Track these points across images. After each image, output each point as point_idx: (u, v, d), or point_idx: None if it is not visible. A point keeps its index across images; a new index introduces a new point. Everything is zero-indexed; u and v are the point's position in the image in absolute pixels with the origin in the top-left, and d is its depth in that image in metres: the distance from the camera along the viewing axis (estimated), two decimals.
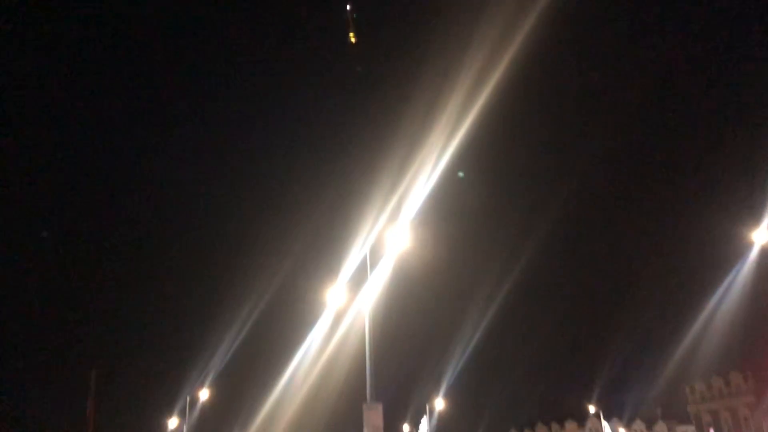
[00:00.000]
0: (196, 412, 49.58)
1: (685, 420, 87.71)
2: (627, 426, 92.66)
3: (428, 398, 62.82)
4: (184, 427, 50.53)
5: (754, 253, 24.47)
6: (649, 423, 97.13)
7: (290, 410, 66.97)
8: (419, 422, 61.48)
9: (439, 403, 61.20)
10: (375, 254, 20.23)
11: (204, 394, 47.43)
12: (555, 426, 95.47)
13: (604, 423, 76.92)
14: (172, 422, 54.63)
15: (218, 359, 61.61)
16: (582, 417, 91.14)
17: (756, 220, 25.27)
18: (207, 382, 50.70)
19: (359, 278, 20.97)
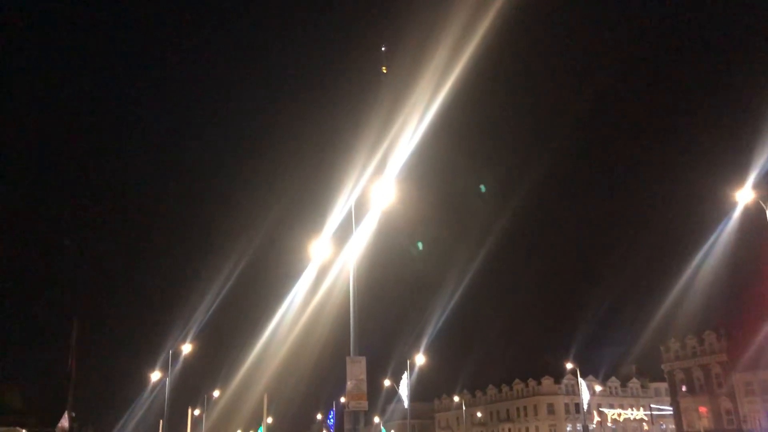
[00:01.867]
0: (178, 365, 49.73)
1: (658, 378, 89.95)
2: (602, 383, 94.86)
3: (409, 353, 63.54)
4: (167, 380, 50.65)
5: (737, 214, 24.60)
6: (624, 380, 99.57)
7: (275, 363, 67.58)
8: (400, 377, 62.17)
9: (420, 359, 61.84)
10: (360, 209, 20.07)
11: (187, 348, 47.45)
12: (532, 382, 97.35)
13: (581, 380, 78.32)
14: (155, 375, 54.86)
15: (202, 312, 61.74)
16: (559, 374, 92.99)
17: (740, 179, 25.41)
18: (190, 336, 50.79)
19: (344, 232, 20.84)
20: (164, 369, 52.01)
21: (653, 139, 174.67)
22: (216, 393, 72.51)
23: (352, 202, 20.05)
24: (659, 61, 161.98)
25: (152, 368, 55.80)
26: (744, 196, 24.59)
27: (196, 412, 65.79)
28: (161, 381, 53.87)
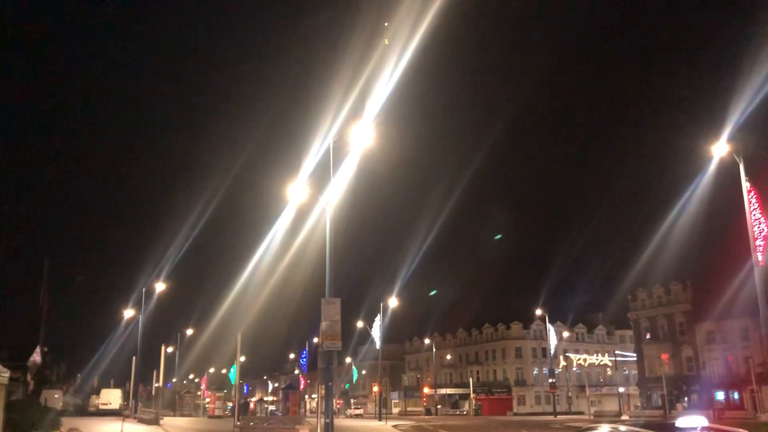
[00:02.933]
0: (152, 304, 49.79)
1: (624, 326, 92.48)
2: (570, 329, 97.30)
3: (382, 296, 64.32)
4: (140, 318, 50.79)
5: (712, 167, 24.86)
6: (591, 327, 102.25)
7: (250, 304, 67.93)
8: (373, 319, 63.06)
9: (393, 302, 62.66)
10: (338, 151, 19.87)
11: (160, 286, 47.39)
12: (501, 327, 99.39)
13: (549, 325, 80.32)
14: (128, 313, 54.95)
15: (174, 251, 61.43)
16: (528, 319, 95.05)
17: (716, 133, 25.58)
18: (164, 274, 50.66)
19: (321, 175, 20.66)
20: (138, 307, 52.10)
21: (629, 89, 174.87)
22: (189, 332, 73.01)
23: (328, 144, 19.81)
24: (634, 13, 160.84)
25: (125, 306, 55.90)
26: (719, 149, 24.80)
27: (170, 349, 66.29)
28: (135, 318, 54.04)
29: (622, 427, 9.21)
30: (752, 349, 66.19)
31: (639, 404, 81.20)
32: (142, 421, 45.91)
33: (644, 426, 9.10)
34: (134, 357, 57.97)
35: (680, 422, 8.46)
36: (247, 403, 40.03)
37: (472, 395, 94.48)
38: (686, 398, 72.70)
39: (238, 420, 35.94)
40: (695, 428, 8.28)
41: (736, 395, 68.62)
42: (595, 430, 10.21)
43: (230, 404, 63.17)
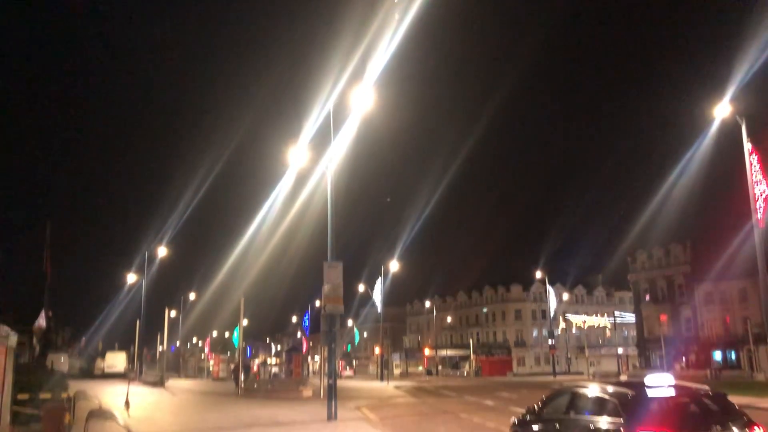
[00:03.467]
0: (155, 268, 50.06)
1: (624, 287, 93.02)
2: (569, 291, 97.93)
3: (384, 260, 64.57)
4: (143, 281, 51.13)
5: (714, 129, 24.72)
6: (590, 289, 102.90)
7: (253, 268, 68.27)
8: (375, 282, 63.43)
9: (394, 265, 62.90)
10: (338, 115, 19.75)
11: (163, 251, 47.57)
12: (501, 289, 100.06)
13: (548, 287, 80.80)
14: (131, 277, 55.25)
15: (177, 216, 61.57)
16: (528, 281, 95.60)
17: (718, 94, 25.39)
18: (166, 239, 50.83)
19: (322, 139, 20.58)
20: (140, 271, 52.40)
21: (632, 51, 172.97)
22: (192, 295, 73.49)
23: (329, 108, 19.69)
24: None
25: (128, 270, 56.19)
26: (721, 110, 24.64)
27: (173, 313, 66.90)
28: (138, 283, 54.36)
29: (592, 384, 9.54)
30: (750, 310, 66.79)
31: (637, 365, 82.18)
32: (147, 383, 46.56)
33: (616, 384, 9.35)
34: (138, 320, 58.52)
35: (648, 380, 8.88)
36: (249, 366, 40.34)
37: (472, 356, 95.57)
38: (684, 358, 73.64)
39: (242, 384, 36.52)
40: (662, 385, 8.75)
41: (733, 355, 69.45)
42: (562, 390, 10.33)
43: (233, 366, 63.93)
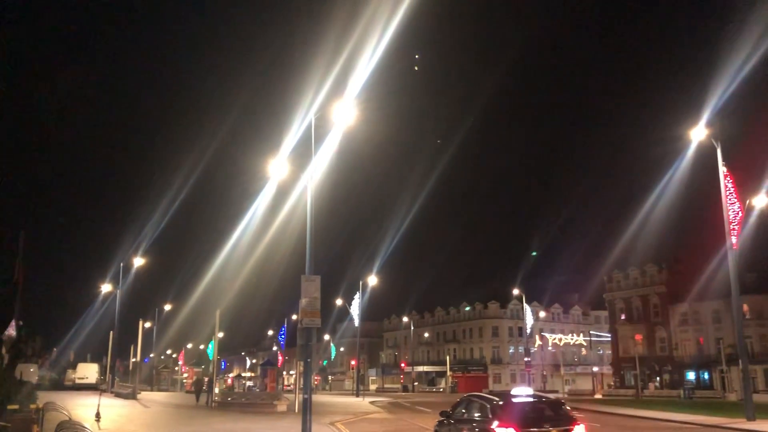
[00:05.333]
0: (130, 279, 49.36)
1: (600, 306, 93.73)
2: (546, 309, 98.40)
3: (362, 274, 64.40)
4: (118, 292, 50.41)
5: (690, 152, 25.10)
6: (567, 307, 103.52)
7: (230, 280, 67.73)
8: (353, 297, 63.21)
9: (372, 280, 62.76)
10: (319, 129, 19.72)
11: (139, 261, 46.91)
12: (479, 305, 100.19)
13: (526, 305, 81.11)
14: (106, 287, 54.47)
15: (154, 226, 60.95)
16: (505, 299, 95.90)
17: (695, 117, 25.80)
18: (142, 249, 50.15)
19: (302, 151, 20.53)
20: (115, 281, 51.64)
21: (611, 74, 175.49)
22: (168, 307, 72.63)
23: (310, 121, 19.65)
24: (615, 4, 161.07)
25: (103, 280, 55.38)
26: (697, 133, 25.03)
27: (147, 325, 66.02)
28: (112, 293, 53.56)
29: (480, 395, 13.59)
30: (723, 331, 67.58)
31: (612, 383, 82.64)
32: (119, 395, 45.80)
33: (492, 394, 13.40)
34: (112, 332, 57.63)
35: (513, 391, 12.70)
36: (202, 381, 39.39)
37: (448, 373, 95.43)
38: (658, 378, 74.19)
39: (197, 400, 35.64)
40: (522, 395, 12.41)
41: (706, 375, 70.13)
42: (464, 399, 13.83)
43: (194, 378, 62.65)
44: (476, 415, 12.56)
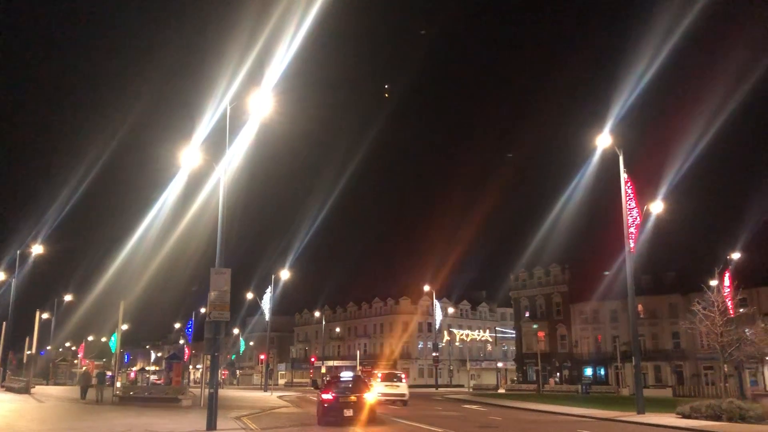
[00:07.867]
0: (27, 267, 46.79)
1: (506, 304, 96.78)
2: (455, 305, 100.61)
3: (274, 268, 63.72)
4: (12, 281, 47.72)
5: (596, 158, 26.26)
6: (475, 304, 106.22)
7: (136, 271, 65.44)
8: (264, 291, 62.46)
9: (285, 274, 62.22)
10: (234, 119, 19.35)
11: (38, 249, 44.49)
12: (390, 301, 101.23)
13: (435, 301, 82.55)
14: None
15: (54, 213, 58.10)
16: (416, 295, 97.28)
17: (601, 125, 27.01)
18: (41, 237, 47.69)
19: (216, 140, 20.11)
20: (10, 270, 48.87)
21: (524, 81, 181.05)
22: (68, 297, 69.33)
23: (224, 109, 19.27)
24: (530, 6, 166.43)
25: None
26: (602, 141, 26.22)
27: (45, 316, 62.87)
28: (6, 282, 50.72)
29: (329, 376, 26.54)
30: (619, 330, 71.28)
31: (516, 378, 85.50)
32: (10, 390, 43.43)
33: (329, 375, 25.00)
34: (4, 323, 54.48)
35: (341, 374, 23.65)
36: (103, 374, 36.53)
37: (358, 367, 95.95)
38: (558, 373, 77.35)
39: (83, 396, 33.78)
40: (345, 376, 22.41)
41: (602, 371, 73.73)
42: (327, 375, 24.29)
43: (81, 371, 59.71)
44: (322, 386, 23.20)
